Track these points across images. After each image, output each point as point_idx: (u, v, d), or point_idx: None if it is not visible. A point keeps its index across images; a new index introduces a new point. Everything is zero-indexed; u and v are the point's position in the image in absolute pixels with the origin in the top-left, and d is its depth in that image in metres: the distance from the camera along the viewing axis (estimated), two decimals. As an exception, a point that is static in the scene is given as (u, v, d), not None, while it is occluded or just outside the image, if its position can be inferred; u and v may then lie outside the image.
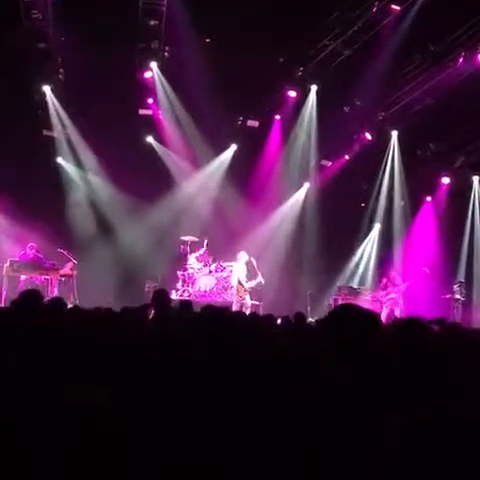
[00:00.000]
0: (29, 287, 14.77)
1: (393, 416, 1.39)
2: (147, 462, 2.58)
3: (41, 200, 16.81)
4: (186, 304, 7.97)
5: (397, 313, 16.52)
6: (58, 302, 6.61)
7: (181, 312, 7.05)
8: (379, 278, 18.42)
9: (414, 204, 20.24)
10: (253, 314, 10.63)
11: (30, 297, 6.04)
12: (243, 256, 16.75)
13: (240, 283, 16.60)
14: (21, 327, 5.00)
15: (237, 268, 16.82)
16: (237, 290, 16.83)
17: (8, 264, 15.47)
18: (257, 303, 16.86)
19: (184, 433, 2.91)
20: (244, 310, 14.89)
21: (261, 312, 14.60)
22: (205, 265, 17.75)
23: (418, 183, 19.64)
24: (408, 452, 1.29)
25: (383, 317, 15.81)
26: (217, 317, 3.72)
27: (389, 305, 17.25)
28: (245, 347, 4.33)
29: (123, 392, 2.95)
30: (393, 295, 17.31)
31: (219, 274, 17.62)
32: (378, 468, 1.38)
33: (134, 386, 3.26)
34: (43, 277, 15.71)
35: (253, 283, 16.54)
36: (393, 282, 17.39)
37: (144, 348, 4.60)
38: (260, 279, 16.49)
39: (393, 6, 14.95)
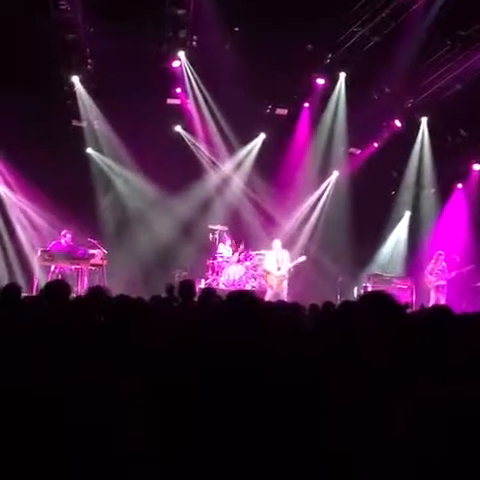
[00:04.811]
0: (59, 277, 14.94)
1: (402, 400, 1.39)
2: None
3: (71, 190, 16.88)
4: (208, 291, 8.03)
5: (443, 301, 16.33)
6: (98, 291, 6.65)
7: (204, 300, 7.08)
8: (426, 262, 17.99)
9: (445, 191, 20.05)
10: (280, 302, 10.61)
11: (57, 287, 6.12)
12: (276, 244, 16.92)
13: (269, 272, 16.73)
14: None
15: (268, 256, 16.96)
16: (266, 279, 16.93)
17: (39, 254, 15.61)
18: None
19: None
20: (279, 299, 14.94)
21: (290, 300, 14.60)
22: (234, 254, 17.76)
23: (449, 170, 19.45)
24: (415, 434, 1.29)
25: (431, 303, 15.65)
26: (243, 300, 3.70)
27: (436, 293, 17.08)
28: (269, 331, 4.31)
29: (144, 379, 2.96)
30: (442, 282, 17.15)
31: (248, 263, 17.63)
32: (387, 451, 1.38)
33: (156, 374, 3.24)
34: (74, 267, 15.81)
35: (285, 270, 16.66)
36: (442, 269, 17.22)
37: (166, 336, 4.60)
38: (298, 260, 16.76)
39: (422, -9, 14.79)
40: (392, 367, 2.92)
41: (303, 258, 16.98)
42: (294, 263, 16.79)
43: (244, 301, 3.43)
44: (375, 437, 1.38)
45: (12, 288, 7.53)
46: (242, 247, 17.90)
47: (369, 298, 3.49)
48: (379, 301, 3.31)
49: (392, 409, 1.37)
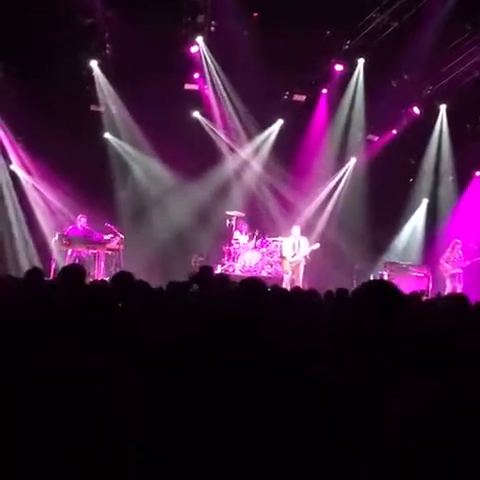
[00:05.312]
0: (76, 261, 15.02)
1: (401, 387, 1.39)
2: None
3: (88, 175, 16.95)
4: (222, 278, 8.06)
5: (459, 289, 16.22)
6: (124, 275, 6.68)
7: (219, 287, 7.10)
8: (443, 250, 17.87)
9: (463, 179, 19.95)
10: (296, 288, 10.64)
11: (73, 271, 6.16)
12: (295, 230, 16.92)
13: (284, 258, 16.75)
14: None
15: (285, 243, 16.97)
16: (282, 265, 16.95)
17: (56, 238, 15.70)
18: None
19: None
20: (294, 285, 15.00)
21: (306, 287, 14.61)
22: (250, 240, 17.77)
23: (467, 158, 19.31)
24: (418, 427, 1.29)
25: (447, 292, 15.55)
26: (254, 289, 3.71)
27: (452, 281, 16.97)
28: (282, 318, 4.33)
29: (153, 369, 2.96)
30: (458, 270, 17.05)
31: (264, 249, 17.64)
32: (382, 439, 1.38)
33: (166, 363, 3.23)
34: (90, 251, 15.90)
35: (300, 256, 16.65)
36: (458, 257, 17.11)
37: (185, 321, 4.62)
38: (311, 247, 16.73)
39: (443, -24, 14.66)
40: (395, 355, 2.93)
41: (317, 245, 16.97)
42: (308, 250, 16.78)
43: (255, 289, 3.44)
44: (381, 429, 1.38)
45: (35, 272, 7.66)
46: (258, 233, 17.91)
47: (369, 286, 3.50)
48: (378, 289, 3.31)
49: (396, 400, 1.38)
